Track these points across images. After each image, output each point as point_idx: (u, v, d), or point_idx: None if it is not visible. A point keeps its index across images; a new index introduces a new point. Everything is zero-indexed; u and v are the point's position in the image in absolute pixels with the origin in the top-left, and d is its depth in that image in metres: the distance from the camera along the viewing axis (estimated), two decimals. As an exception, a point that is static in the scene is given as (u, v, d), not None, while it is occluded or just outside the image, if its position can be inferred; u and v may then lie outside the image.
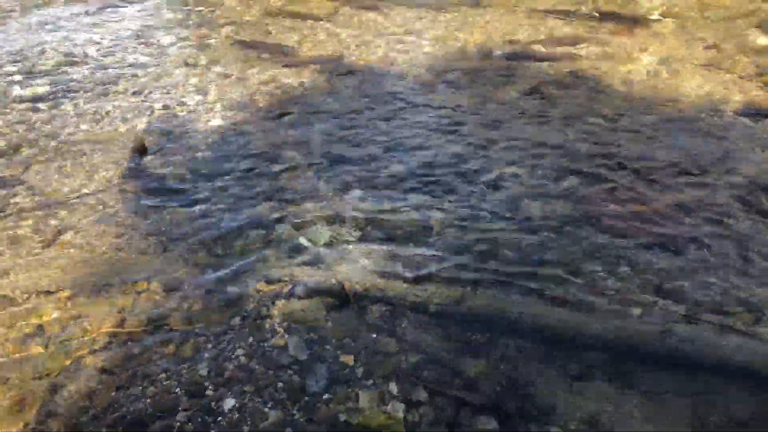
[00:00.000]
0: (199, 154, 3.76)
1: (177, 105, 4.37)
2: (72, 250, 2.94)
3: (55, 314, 2.54)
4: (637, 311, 2.53)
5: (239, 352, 2.36)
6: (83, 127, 4.11)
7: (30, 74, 4.97)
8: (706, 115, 3.96)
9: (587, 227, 3.00)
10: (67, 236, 3.04)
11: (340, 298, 2.61)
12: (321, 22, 5.98)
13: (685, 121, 3.91)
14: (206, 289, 2.69)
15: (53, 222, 3.14)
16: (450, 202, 3.23)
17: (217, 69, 4.97)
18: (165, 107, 4.35)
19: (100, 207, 3.27)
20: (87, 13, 6.46)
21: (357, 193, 3.34)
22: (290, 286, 2.67)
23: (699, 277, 2.68)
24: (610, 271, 2.73)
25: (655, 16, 5.69)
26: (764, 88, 4.22)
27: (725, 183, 3.29)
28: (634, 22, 5.57)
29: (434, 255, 2.86)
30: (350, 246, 2.92)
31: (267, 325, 2.48)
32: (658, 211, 3.10)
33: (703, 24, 5.42)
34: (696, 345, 2.38)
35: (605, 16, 5.74)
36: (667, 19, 5.59)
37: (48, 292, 2.66)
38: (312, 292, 2.63)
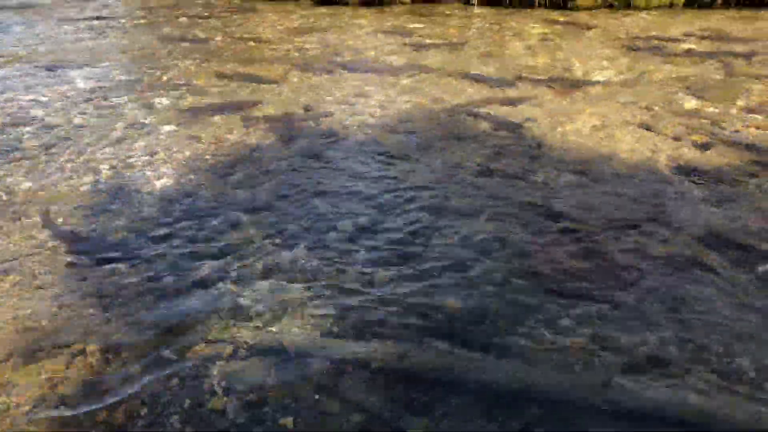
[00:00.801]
0: (144, 214, 3.72)
1: (123, 166, 4.35)
2: (5, 313, 2.83)
3: (-19, 381, 2.43)
4: (578, 364, 2.56)
5: (175, 418, 2.29)
6: (24, 186, 4.04)
7: (-28, 135, 4.89)
8: (641, 172, 4.13)
9: (529, 282, 3.06)
10: (1, 299, 2.94)
11: (282, 357, 2.57)
12: (272, 85, 6.08)
13: (620, 178, 4.07)
14: (145, 350, 2.62)
15: (-14, 284, 3.04)
16: (394, 258, 3.26)
17: (166, 129, 4.98)
18: (111, 167, 4.32)
19: (39, 268, 3.18)
20: (35, 74, 6.44)
21: (302, 251, 3.34)
22: (231, 346, 2.62)
23: (636, 329, 2.74)
24: (551, 324, 2.77)
25: (592, 79, 5.97)
26: (693, 148, 4.45)
27: (659, 237, 3.40)
28: (573, 85, 5.84)
29: (378, 311, 2.86)
30: (293, 303, 2.90)
31: (205, 387, 2.42)
32: (596, 264, 3.19)
33: (638, 88, 5.72)
34: (636, 396, 2.41)
35: (545, 80, 6.00)
36: (603, 83, 5.88)
37: (-25, 358, 2.55)
38: (253, 352, 2.59)
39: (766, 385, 2.42)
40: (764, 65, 6.21)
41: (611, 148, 4.50)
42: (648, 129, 4.81)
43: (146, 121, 5.14)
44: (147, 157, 4.47)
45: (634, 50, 6.92)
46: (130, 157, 4.48)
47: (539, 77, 6.11)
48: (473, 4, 9.40)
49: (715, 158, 4.28)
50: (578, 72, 6.25)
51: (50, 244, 3.42)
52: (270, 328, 2.75)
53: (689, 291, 2.98)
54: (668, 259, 3.22)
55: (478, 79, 6.08)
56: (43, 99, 5.69)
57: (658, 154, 4.37)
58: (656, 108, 5.21)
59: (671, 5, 8.83)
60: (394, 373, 2.52)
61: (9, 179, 4.14)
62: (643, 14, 8.57)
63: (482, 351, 2.63)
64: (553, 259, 3.25)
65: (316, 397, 2.39)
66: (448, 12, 9.19)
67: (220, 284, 3.06)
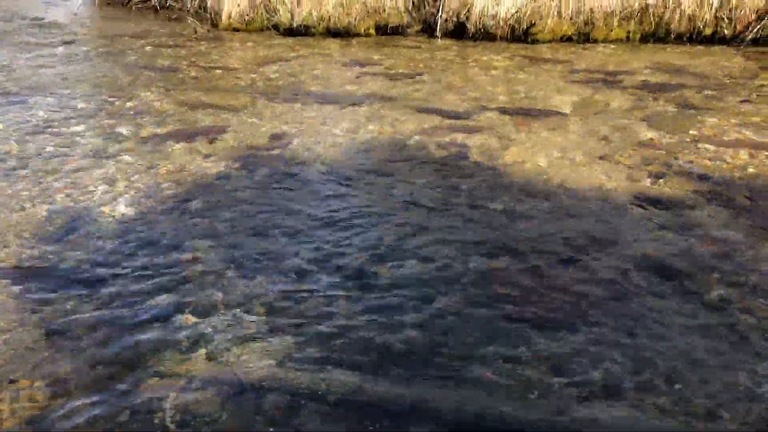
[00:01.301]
0: (100, 244, 3.65)
1: (81, 194, 4.28)
2: (-52, 348, 2.74)
3: None
4: (534, 392, 2.57)
5: (124, 452, 2.23)
6: (-24, 217, 3.94)
7: (-76, 163, 4.77)
8: (597, 201, 4.21)
9: (486, 310, 3.08)
10: (-55, 333, 2.84)
11: (237, 389, 2.53)
12: (237, 113, 6.08)
13: (578, 207, 4.14)
14: (95, 385, 2.55)
15: (-70, 318, 2.94)
16: (353, 287, 3.25)
17: (126, 158, 4.92)
18: (68, 196, 4.24)
19: (-14, 300, 3.09)
20: (-7, 102, 6.33)
21: (260, 281, 3.31)
22: (184, 379, 2.57)
23: (593, 356, 2.77)
24: (508, 352, 2.78)
25: (551, 111, 6.11)
26: (649, 178, 4.56)
27: (617, 264, 3.47)
28: (532, 116, 5.97)
29: (336, 342, 2.84)
30: (249, 334, 2.87)
31: (157, 421, 2.36)
32: (552, 292, 3.23)
33: (596, 119, 5.86)
34: (592, 424, 2.42)
35: (506, 111, 6.12)
36: (562, 114, 6.01)
37: None
38: (207, 384, 2.54)
39: (718, 410, 2.46)
40: (716, 98, 6.44)
41: (569, 177, 4.59)
42: (604, 159, 4.92)
43: (106, 150, 5.07)
44: (105, 186, 4.41)
45: (592, 82, 7.12)
46: (87, 186, 4.41)
47: (500, 108, 6.23)
48: (437, 37, 9.58)
49: (669, 188, 4.40)
50: (538, 103, 6.39)
51: (3, 273, 3.32)
52: (226, 361, 2.71)
53: (645, 317, 3.03)
54: (621, 286, 3.27)
55: (439, 110, 6.17)
56: (0, 126, 5.59)
57: (614, 184, 4.47)
58: (613, 139, 5.34)
59: (628, 39, 9.12)
60: (352, 404, 2.49)
61: (-40, 209, 4.04)
62: (601, 48, 8.83)
63: (440, 379, 2.62)
64: (510, 286, 3.28)
65: (271, 430, 2.35)
66: (412, 44, 9.34)
67: (177, 316, 3.01)
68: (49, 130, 5.57)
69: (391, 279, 3.34)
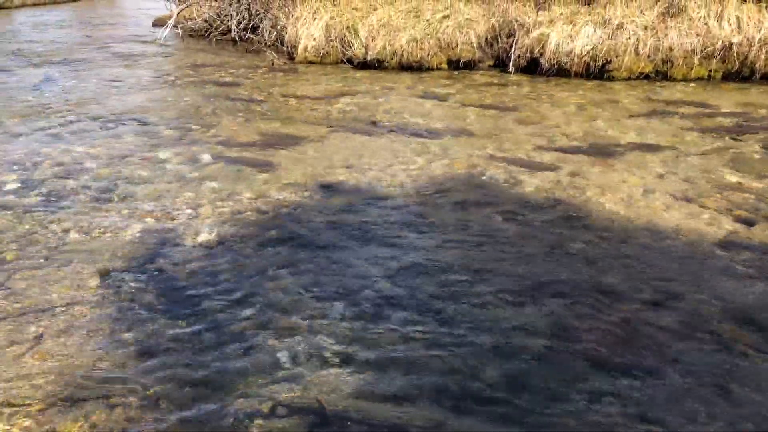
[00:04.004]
0: (185, 268, 3.79)
1: (167, 219, 4.46)
2: (49, 360, 2.89)
3: (26, 425, 2.46)
4: (620, 441, 2.50)
5: (213, 473, 2.27)
6: (72, 236, 4.16)
7: (25, 183, 5.08)
8: (682, 245, 4.09)
9: (568, 354, 3.01)
10: (45, 345, 3.00)
11: (320, 418, 2.55)
12: (312, 144, 6.23)
13: (662, 250, 4.03)
14: (183, 404, 2.63)
15: (32, 329, 3.11)
16: (431, 321, 3.25)
17: (210, 185, 5.11)
18: (156, 220, 4.43)
19: (81, 317, 3.25)
20: (86, 127, 6.71)
21: (340, 311, 3.35)
22: (269, 404, 2.61)
23: (680, 404, 2.67)
24: (592, 399, 2.71)
25: (629, 149, 6.00)
26: (736, 222, 4.40)
27: (702, 312, 3.34)
28: (610, 154, 5.87)
29: (416, 376, 2.84)
30: (330, 362, 2.90)
31: (243, 446, 2.41)
32: (637, 338, 3.13)
33: (677, 159, 5.72)
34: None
35: (582, 148, 6.05)
36: (640, 153, 5.89)
37: (20, 405, 2.59)
38: (291, 411, 2.58)
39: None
40: (805, 141, 6.18)
41: (650, 219, 4.48)
42: (687, 201, 4.78)
43: (190, 176, 5.29)
44: (190, 211, 4.59)
45: (672, 122, 6.95)
46: (174, 210, 4.60)
47: (576, 145, 6.16)
48: (509, 72, 9.59)
49: (760, 234, 4.23)
50: (615, 141, 6.28)
51: (97, 293, 3.49)
52: (308, 387, 2.74)
53: (733, 366, 2.90)
54: (711, 335, 3.15)
55: (514, 146, 6.15)
56: (93, 151, 5.91)
57: (699, 227, 4.34)
58: (695, 180, 5.19)
59: (709, 78, 8.89)
60: (433, 440, 2.48)
61: (59, 227, 4.27)
62: (680, 86, 8.63)
63: (520, 424, 2.57)
64: (594, 330, 3.21)
65: (354, 461, 2.36)
66: (484, 79, 9.38)
67: (259, 339, 3.08)
68: (138, 155, 5.85)
69: (468, 314, 3.32)
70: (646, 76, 8.99)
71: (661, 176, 5.30)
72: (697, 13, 8.90)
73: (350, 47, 10.46)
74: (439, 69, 10.07)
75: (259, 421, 2.53)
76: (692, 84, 8.76)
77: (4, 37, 13.86)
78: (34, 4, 22.20)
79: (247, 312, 3.33)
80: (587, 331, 3.20)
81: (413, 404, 2.66)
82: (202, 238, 4.17)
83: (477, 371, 2.88)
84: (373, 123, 7.05)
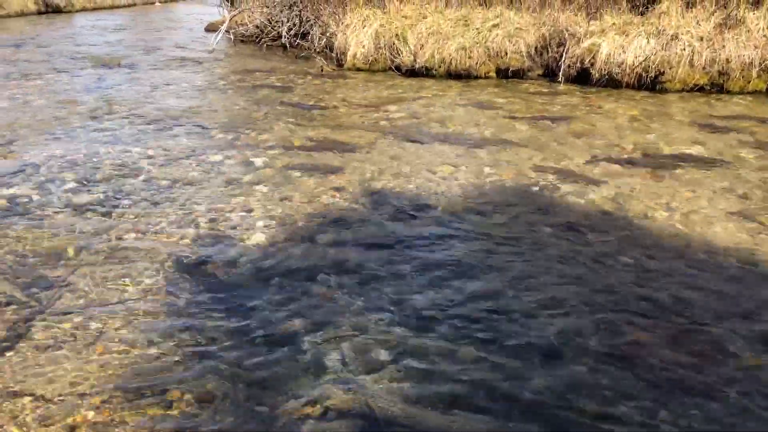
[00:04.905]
0: (239, 269, 3.88)
1: (221, 220, 4.57)
2: (110, 355, 3.00)
3: (88, 417, 2.56)
4: (673, 460, 2.46)
5: (266, 472, 2.33)
6: (131, 235, 4.30)
7: (85, 182, 5.28)
8: (739, 263, 3.99)
9: (621, 368, 2.98)
10: (107, 340, 3.12)
11: (370, 422, 2.59)
12: (361, 150, 6.30)
13: (716, 268, 3.94)
14: (236, 403, 2.70)
15: (95, 325, 3.23)
16: (479, 332, 3.25)
17: (261, 188, 5.22)
18: (210, 221, 4.55)
19: (140, 313, 3.36)
20: (144, 129, 6.93)
21: (388, 317, 3.39)
22: (320, 407, 2.66)
23: (738, 424, 2.61)
24: (646, 415, 2.68)
25: (683, 163, 5.88)
26: (795, 240, 4.28)
27: (760, 332, 3.26)
28: (663, 168, 5.76)
29: (463, 385, 2.85)
30: (379, 367, 2.94)
31: (295, 446, 2.46)
32: (693, 355, 3.08)
33: (733, 174, 5.58)
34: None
35: (634, 161, 5.96)
36: (695, 168, 5.77)
37: (83, 395, 2.70)
38: (341, 414, 2.62)
39: None
40: None
41: (706, 235, 4.38)
42: (744, 217, 4.67)
43: (242, 180, 5.41)
44: (243, 213, 4.70)
45: (727, 135, 6.79)
46: (227, 213, 4.71)
47: (627, 157, 6.07)
48: (559, 82, 9.51)
49: (819, 253, 4.10)
50: (669, 155, 6.17)
51: (153, 291, 3.60)
52: (357, 391, 2.78)
53: (794, 393, 2.83)
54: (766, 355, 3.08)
55: (563, 156, 6.10)
56: (150, 152, 6.10)
57: (755, 245, 4.23)
58: (752, 196, 5.06)
59: None
60: (481, 450, 2.49)
61: (119, 227, 4.43)
62: (737, 99, 8.42)
63: (571, 436, 2.57)
64: (647, 345, 3.16)
65: (403, 467, 2.39)
66: (533, 88, 9.32)
67: (309, 342, 3.14)
68: (192, 157, 6.01)
69: (518, 326, 3.32)
70: (701, 89, 8.79)
71: (716, 192, 5.19)
72: (756, 24, 8.67)
73: (398, 55, 10.53)
74: (487, 77, 10.05)
75: (310, 423, 2.58)
76: (749, 97, 8.53)
77: (65, 40, 14.40)
78: (94, 9, 23.01)
79: (297, 315, 3.39)
80: (640, 345, 3.16)
81: (462, 411, 2.67)
82: (254, 240, 4.27)
83: (525, 381, 2.87)
84: (421, 131, 7.08)
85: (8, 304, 3.44)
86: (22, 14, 20.32)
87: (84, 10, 22.50)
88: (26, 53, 12.33)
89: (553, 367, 2.99)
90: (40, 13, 20.93)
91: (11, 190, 5.10)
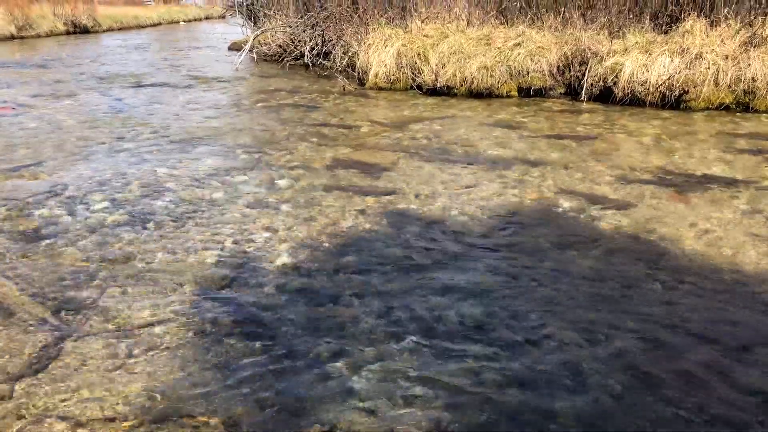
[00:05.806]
0: (263, 291, 3.91)
1: (246, 241, 4.61)
2: (136, 378, 3.02)
3: (117, 443, 2.59)
4: (705, 494, 2.41)
5: (292, 500, 2.33)
6: (158, 256, 4.35)
7: (112, 203, 5.36)
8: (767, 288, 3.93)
9: (646, 397, 2.94)
10: (133, 363, 3.14)
11: (396, 451, 2.58)
12: (384, 171, 6.33)
13: (744, 293, 3.88)
14: (263, 428, 2.71)
15: (122, 347, 3.27)
16: (505, 358, 3.23)
17: (285, 209, 5.26)
18: (235, 243, 4.59)
19: (167, 336, 3.39)
20: (169, 149, 7.03)
21: (413, 341, 3.38)
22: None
23: (771, 461, 2.56)
24: (675, 446, 2.63)
25: (709, 185, 5.82)
26: (827, 265, 4.20)
27: (793, 361, 3.20)
28: (688, 189, 5.70)
29: (490, 412, 2.82)
30: (404, 395, 2.92)
31: (321, 474, 2.45)
32: (721, 382, 3.02)
33: (762, 196, 5.51)
34: None
35: (659, 182, 5.90)
36: (721, 189, 5.71)
37: (110, 419, 2.72)
38: (368, 443, 2.62)
39: None
40: None
41: (732, 259, 4.32)
42: (774, 241, 4.60)
43: (267, 201, 5.45)
44: (267, 234, 4.73)
45: (754, 156, 6.71)
46: (251, 233, 4.75)
47: (653, 178, 6.02)
48: (581, 101, 9.49)
49: None
50: (694, 175, 6.11)
51: (180, 314, 3.64)
52: (382, 417, 2.77)
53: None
54: (804, 387, 3.01)
55: (586, 177, 6.06)
56: (176, 173, 6.19)
57: (787, 270, 4.16)
58: (782, 219, 4.99)
59: (794, 110, 8.56)
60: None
61: (145, 247, 4.48)
62: (763, 117, 8.33)
63: (600, 467, 2.53)
64: (676, 371, 3.11)
65: (429, 497, 2.37)
66: (556, 107, 9.31)
67: (333, 366, 3.14)
68: (216, 178, 6.08)
69: (544, 351, 3.29)
70: (726, 107, 8.72)
71: (743, 213, 5.12)
72: (782, 42, 8.60)
73: (420, 74, 10.60)
74: (509, 96, 10.07)
75: (336, 451, 2.57)
76: (776, 116, 8.44)
77: (92, 60, 14.70)
78: (120, 28, 23.49)
79: (322, 338, 3.40)
80: (668, 370, 3.11)
81: (489, 442, 2.65)
82: (279, 262, 4.29)
83: (551, 409, 2.84)
84: (444, 151, 7.09)
85: (39, 325, 3.49)
86: (51, 34, 20.82)
87: (110, 30, 23.00)
88: (54, 73, 12.61)
89: (577, 395, 2.95)
90: (68, 33, 21.44)
91: (41, 211, 5.19)
